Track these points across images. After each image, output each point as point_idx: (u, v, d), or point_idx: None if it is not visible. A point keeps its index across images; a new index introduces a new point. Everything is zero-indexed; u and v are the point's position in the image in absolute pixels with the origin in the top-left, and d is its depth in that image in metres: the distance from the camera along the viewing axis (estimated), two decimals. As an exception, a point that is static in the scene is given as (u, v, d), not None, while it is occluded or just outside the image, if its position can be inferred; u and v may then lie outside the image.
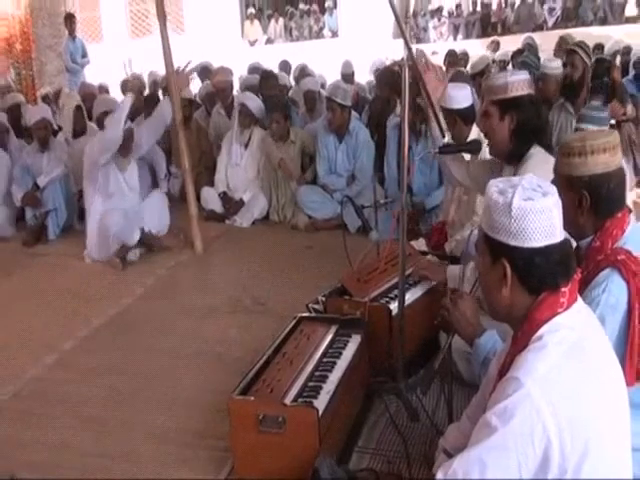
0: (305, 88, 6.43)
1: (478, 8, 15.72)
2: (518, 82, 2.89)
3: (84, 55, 9.32)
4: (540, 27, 14.57)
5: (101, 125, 5.21)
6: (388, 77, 5.99)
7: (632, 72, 6.16)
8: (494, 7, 15.82)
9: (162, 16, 4.76)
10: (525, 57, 6.68)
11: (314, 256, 4.66)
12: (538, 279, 1.55)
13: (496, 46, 9.19)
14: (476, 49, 13.11)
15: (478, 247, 1.65)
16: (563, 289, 1.55)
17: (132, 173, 4.95)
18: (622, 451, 1.53)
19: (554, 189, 1.56)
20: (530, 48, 7.98)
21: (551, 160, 2.81)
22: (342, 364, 2.48)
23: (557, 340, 1.50)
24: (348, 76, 7.96)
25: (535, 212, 1.51)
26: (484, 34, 15.00)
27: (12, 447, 2.69)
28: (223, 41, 14.64)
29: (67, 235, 5.52)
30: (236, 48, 14.82)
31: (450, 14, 15.89)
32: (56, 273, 4.88)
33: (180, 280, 4.60)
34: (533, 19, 14.85)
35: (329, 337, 2.65)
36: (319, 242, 4.89)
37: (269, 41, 15.84)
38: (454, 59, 7.67)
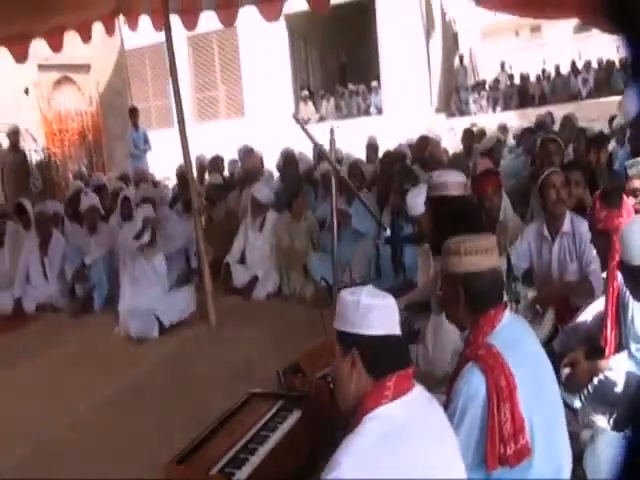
0: (322, 171, 6.74)
1: (516, 81, 15.88)
2: (447, 183, 3.11)
3: (146, 142, 10.06)
4: (574, 97, 14.57)
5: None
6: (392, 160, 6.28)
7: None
8: (532, 79, 15.93)
9: (180, 110, 5.19)
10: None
11: (316, 332, 4.83)
12: (381, 364, 1.75)
13: (504, 130, 9.33)
14: (514, 120, 13.26)
15: (333, 348, 1.85)
16: (388, 383, 1.73)
17: (159, 263, 5.28)
18: None
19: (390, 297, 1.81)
20: (542, 125, 8.07)
21: None
22: (275, 437, 2.68)
23: (374, 427, 1.67)
24: (372, 150, 8.24)
25: (377, 307, 1.76)
26: (522, 105, 15.12)
27: None
28: (279, 121, 15.31)
29: (110, 307, 5.81)
30: (290, 127, 15.44)
31: (490, 87, 16.11)
32: (94, 342, 5.27)
33: (193, 353, 4.84)
34: (568, 90, 14.87)
35: (272, 412, 2.86)
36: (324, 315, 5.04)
37: (321, 119, 16.44)
38: (469, 135, 7.85)
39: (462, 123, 15.40)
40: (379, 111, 15.61)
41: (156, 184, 8.32)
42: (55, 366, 4.85)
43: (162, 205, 6.57)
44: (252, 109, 15.69)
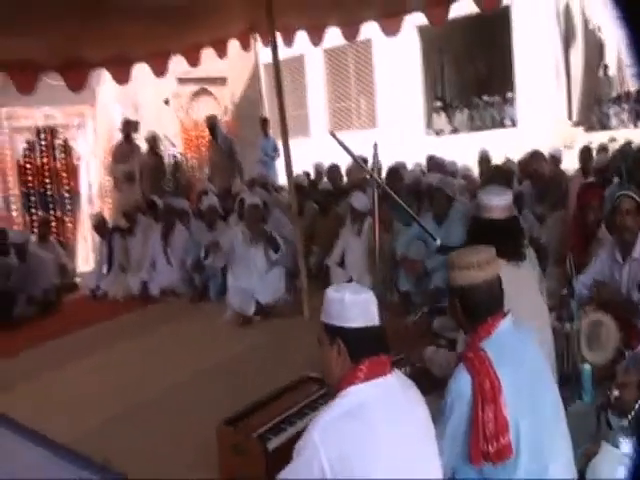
0: (426, 183, 6.88)
1: (664, 94, 14.85)
2: (495, 207, 3.14)
3: (274, 150, 10.77)
4: None
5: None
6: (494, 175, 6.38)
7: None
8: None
9: (284, 123, 5.68)
10: None
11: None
12: (361, 351, 2.01)
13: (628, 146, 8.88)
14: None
15: (319, 338, 2.11)
16: (362, 366, 1.99)
17: (259, 256, 5.91)
18: None
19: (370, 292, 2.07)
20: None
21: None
22: (313, 415, 2.99)
23: (343, 402, 1.96)
24: (483, 163, 8.27)
25: (359, 303, 2.02)
26: (668, 120, 14.14)
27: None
28: (410, 133, 15.57)
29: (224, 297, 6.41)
30: (422, 138, 15.65)
31: (634, 100, 15.20)
32: (203, 325, 5.96)
33: (285, 340, 5.28)
34: None
35: (318, 393, 3.19)
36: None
37: (454, 130, 16.43)
38: (586, 153, 7.66)
39: (601, 137, 14.69)
40: (513, 123, 15.33)
41: (278, 189, 8.90)
42: (167, 341, 5.63)
43: (274, 207, 7.11)
44: (384, 120, 16.04)
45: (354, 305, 2.03)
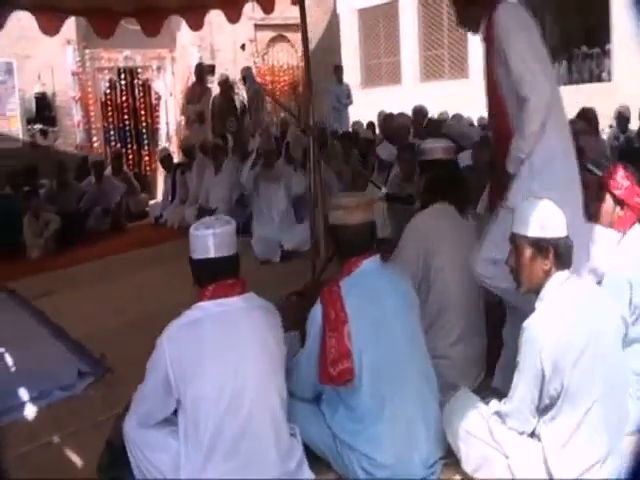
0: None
1: None
2: (435, 148, 3.44)
3: (348, 97, 10.99)
4: None
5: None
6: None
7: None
8: None
9: (309, 78, 5.94)
10: None
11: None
12: (201, 278, 2.42)
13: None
14: None
15: None
16: (208, 288, 2.40)
17: (280, 199, 6.38)
18: (225, 390, 2.31)
19: (220, 225, 2.41)
20: None
21: (428, 218, 3.28)
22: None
23: (188, 314, 2.41)
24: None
25: (196, 237, 2.40)
26: None
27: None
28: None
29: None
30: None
31: None
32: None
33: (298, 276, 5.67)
34: None
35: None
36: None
37: (550, 83, 15.73)
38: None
39: None
40: (609, 77, 14.46)
41: (336, 136, 9.18)
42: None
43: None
44: (476, 70, 15.62)
45: (195, 240, 2.39)
